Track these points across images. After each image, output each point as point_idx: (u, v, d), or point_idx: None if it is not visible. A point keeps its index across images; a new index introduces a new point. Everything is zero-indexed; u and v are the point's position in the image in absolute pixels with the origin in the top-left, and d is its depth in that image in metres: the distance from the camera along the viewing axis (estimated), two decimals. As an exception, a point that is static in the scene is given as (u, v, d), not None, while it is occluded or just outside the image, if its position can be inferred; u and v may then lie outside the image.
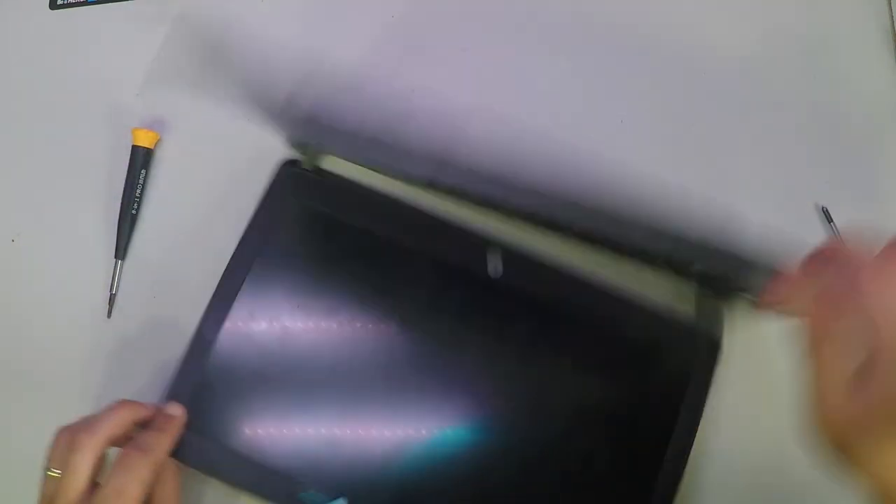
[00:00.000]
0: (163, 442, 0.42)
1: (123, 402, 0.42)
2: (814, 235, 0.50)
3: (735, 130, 0.52)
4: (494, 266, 0.46)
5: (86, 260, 0.50)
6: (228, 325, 0.45)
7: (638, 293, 0.46)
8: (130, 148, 0.50)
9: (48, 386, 0.47)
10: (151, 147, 0.51)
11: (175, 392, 0.44)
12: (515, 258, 0.47)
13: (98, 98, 0.53)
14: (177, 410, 0.44)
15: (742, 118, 0.52)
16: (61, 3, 0.55)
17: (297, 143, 0.48)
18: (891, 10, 0.55)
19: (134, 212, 0.50)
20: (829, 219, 0.49)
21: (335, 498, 0.42)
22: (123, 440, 0.42)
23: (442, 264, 0.46)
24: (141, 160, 0.50)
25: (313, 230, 0.47)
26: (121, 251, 0.49)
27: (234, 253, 0.47)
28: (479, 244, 0.47)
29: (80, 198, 0.51)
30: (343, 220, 0.47)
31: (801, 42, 0.55)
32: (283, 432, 0.44)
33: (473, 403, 0.44)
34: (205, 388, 0.44)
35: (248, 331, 0.45)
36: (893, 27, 0.55)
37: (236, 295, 0.46)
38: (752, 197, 0.49)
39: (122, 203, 0.50)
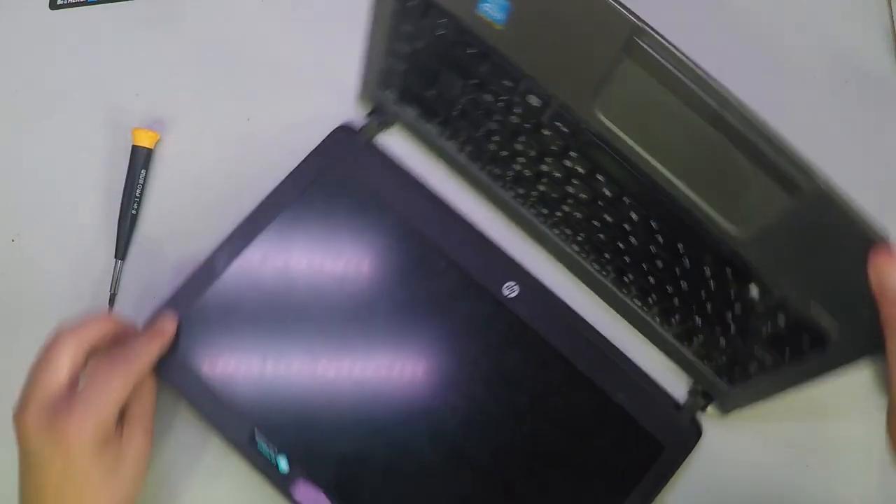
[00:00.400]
0: (148, 352, 0.41)
1: (106, 314, 0.42)
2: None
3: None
4: (510, 288, 0.46)
5: (86, 260, 0.50)
6: (239, 262, 0.46)
7: (637, 364, 0.47)
8: (130, 148, 0.50)
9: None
10: (151, 147, 0.51)
11: (171, 306, 0.45)
12: (534, 289, 0.47)
13: (98, 98, 0.53)
14: (168, 324, 0.43)
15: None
16: (61, 3, 0.55)
17: (376, 101, 0.48)
18: (891, 10, 0.55)
19: (134, 212, 0.50)
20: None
21: (279, 452, 0.43)
22: (103, 349, 0.41)
23: (459, 270, 0.47)
24: (141, 160, 0.50)
25: (347, 200, 0.48)
26: (121, 251, 0.49)
27: (265, 198, 0.47)
28: (501, 263, 0.48)
29: (80, 198, 0.51)
30: (377, 199, 0.48)
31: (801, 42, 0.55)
32: (261, 378, 0.44)
33: (443, 401, 0.45)
34: (199, 313, 0.45)
35: (256, 274, 0.46)
36: (893, 27, 0.55)
37: (256, 236, 0.47)
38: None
39: (122, 203, 0.50)
